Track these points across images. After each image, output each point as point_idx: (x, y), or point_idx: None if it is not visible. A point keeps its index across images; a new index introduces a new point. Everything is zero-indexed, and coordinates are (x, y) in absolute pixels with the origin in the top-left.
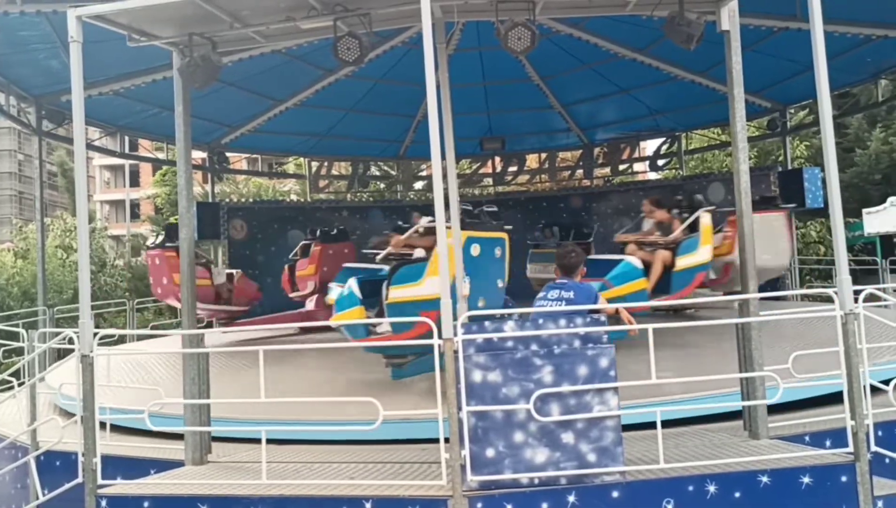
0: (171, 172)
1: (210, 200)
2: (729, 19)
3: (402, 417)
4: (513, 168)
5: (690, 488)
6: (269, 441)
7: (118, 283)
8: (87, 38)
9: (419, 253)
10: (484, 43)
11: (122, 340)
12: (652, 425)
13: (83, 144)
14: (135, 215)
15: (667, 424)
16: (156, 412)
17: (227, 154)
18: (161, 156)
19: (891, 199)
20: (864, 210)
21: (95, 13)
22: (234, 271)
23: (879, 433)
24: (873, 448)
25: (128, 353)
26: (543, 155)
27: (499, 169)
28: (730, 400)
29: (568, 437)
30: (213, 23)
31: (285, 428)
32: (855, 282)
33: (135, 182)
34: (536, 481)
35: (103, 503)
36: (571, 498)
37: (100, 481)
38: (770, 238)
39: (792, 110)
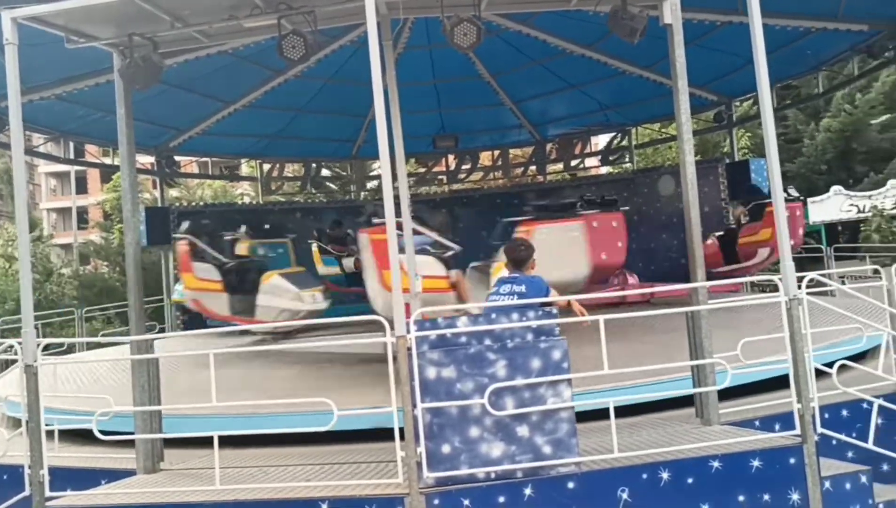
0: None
1: (160, 204)
2: (671, 13)
3: (357, 415)
4: (466, 166)
5: (644, 476)
6: (223, 445)
7: (65, 291)
8: (24, 41)
9: None
10: (433, 41)
11: (70, 350)
12: (606, 415)
13: (21, 151)
14: (83, 222)
15: (620, 413)
16: (105, 419)
17: (177, 158)
18: (108, 161)
19: (834, 188)
20: (809, 199)
21: (31, 14)
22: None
23: (826, 415)
24: (819, 430)
25: (74, 362)
26: (496, 152)
27: (452, 167)
28: (681, 386)
29: (523, 430)
30: (154, 23)
31: (238, 431)
32: (801, 270)
33: (82, 189)
34: (493, 475)
35: None
36: (528, 491)
37: (48, 493)
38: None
39: (737, 103)
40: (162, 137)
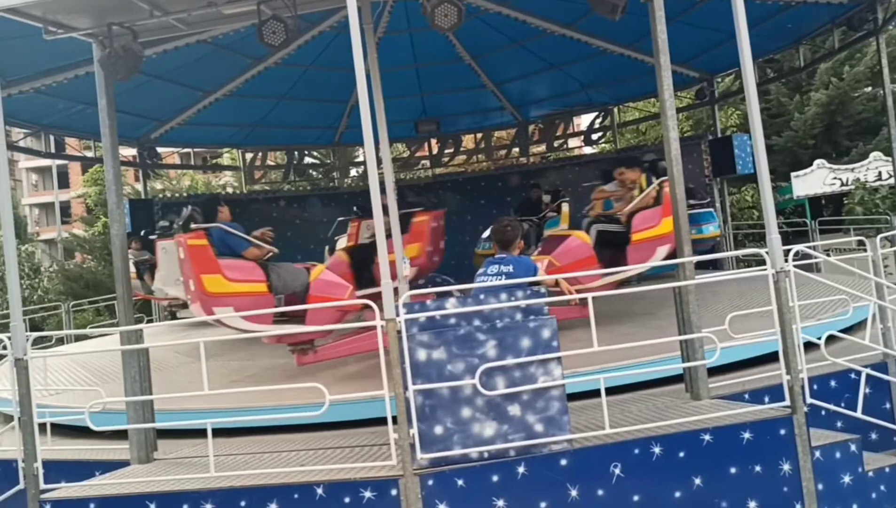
0: (101, 171)
1: (143, 197)
2: None
3: (349, 399)
4: (449, 150)
5: (636, 451)
6: (216, 434)
7: (49, 286)
8: (1, 34)
9: None
10: (413, 24)
11: (60, 344)
12: (597, 393)
13: (3, 144)
14: (67, 217)
15: (611, 391)
16: (97, 411)
17: (159, 149)
18: (89, 154)
19: (817, 162)
20: (793, 173)
21: (7, 6)
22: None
23: (815, 386)
24: (809, 400)
25: (65, 355)
26: (479, 135)
27: (435, 151)
28: (670, 364)
29: (515, 409)
30: (132, 11)
31: (231, 420)
32: (787, 243)
33: (64, 183)
34: (486, 454)
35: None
36: (521, 469)
37: (42, 486)
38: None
39: (719, 79)
40: (143, 129)
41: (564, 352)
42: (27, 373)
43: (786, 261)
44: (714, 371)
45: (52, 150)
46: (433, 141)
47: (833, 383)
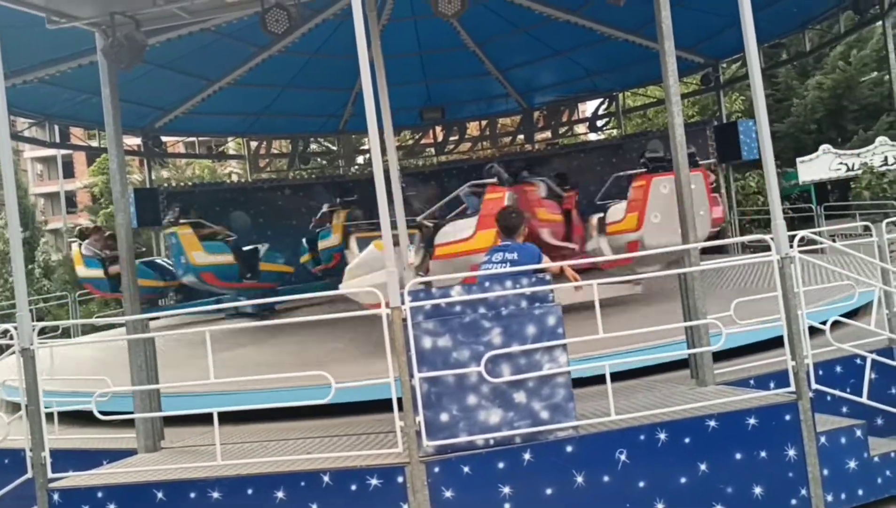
0: (107, 161)
1: (147, 185)
2: None
3: (355, 386)
4: (454, 137)
5: (642, 437)
6: (223, 422)
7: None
8: (4, 23)
9: None
10: (417, 11)
11: (67, 334)
12: (602, 380)
13: (7, 134)
14: (72, 207)
15: (617, 378)
16: (105, 400)
17: (163, 138)
18: (94, 144)
19: (823, 147)
20: (798, 159)
21: None
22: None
23: (820, 372)
24: (814, 386)
25: (71, 344)
26: (484, 122)
27: (440, 139)
28: (676, 349)
29: (520, 396)
30: (135, 0)
31: (237, 407)
32: (792, 229)
33: (69, 173)
34: (492, 441)
35: (55, 496)
36: (527, 456)
37: (50, 474)
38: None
39: (724, 64)
40: (147, 118)
41: (570, 339)
42: (34, 363)
43: (791, 247)
44: (719, 357)
45: (57, 139)
46: (438, 128)
47: (838, 368)
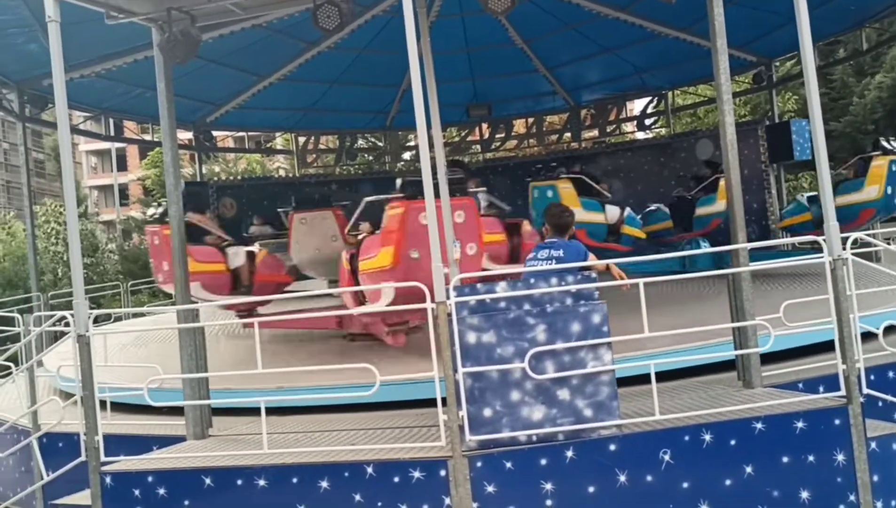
0: (160, 154)
1: (198, 179)
2: None
3: (400, 380)
4: (500, 134)
5: (686, 438)
6: (269, 413)
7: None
8: (65, 19)
9: None
10: (466, 9)
11: (118, 322)
12: (647, 380)
13: (67, 126)
14: (124, 199)
15: (662, 378)
16: (155, 388)
17: (214, 132)
18: (147, 137)
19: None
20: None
21: None
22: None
23: (872, 377)
24: (865, 390)
25: (124, 331)
26: (530, 120)
27: (486, 136)
28: (723, 350)
29: (563, 394)
30: None
31: (284, 398)
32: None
33: (122, 166)
34: (534, 438)
35: (107, 480)
36: (570, 454)
37: (103, 458)
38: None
39: (777, 63)
40: (199, 112)
41: (615, 337)
42: (89, 349)
43: (843, 249)
44: (767, 359)
45: (112, 133)
46: (484, 125)
47: (891, 373)
